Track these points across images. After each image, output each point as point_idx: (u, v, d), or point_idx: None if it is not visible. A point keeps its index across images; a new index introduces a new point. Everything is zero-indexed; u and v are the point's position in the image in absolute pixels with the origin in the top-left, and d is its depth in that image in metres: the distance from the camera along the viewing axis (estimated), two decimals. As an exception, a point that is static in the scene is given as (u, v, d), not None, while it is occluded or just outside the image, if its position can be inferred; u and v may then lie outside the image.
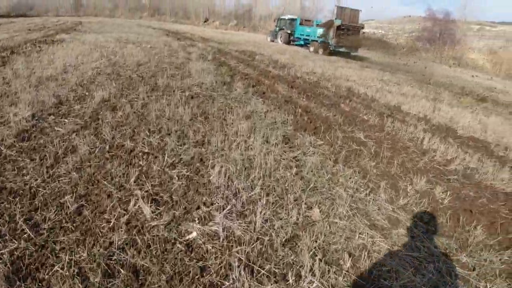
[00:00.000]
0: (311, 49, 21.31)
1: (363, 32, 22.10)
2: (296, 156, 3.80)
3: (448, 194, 3.41)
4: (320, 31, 20.76)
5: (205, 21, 58.29)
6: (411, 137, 5.31)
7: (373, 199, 3.08)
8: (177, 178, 3.15)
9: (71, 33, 16.50)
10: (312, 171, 3.42)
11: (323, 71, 11.42)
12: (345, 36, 19.39)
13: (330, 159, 3.85)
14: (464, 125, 6.66)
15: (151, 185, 3.00)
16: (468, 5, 45.48)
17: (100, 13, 66.07)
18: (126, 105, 5.09)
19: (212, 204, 2.79)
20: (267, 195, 2.94)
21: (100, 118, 4.48)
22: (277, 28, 27.10)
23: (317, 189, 3.12)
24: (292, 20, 25.69)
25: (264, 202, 2.81)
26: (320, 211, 2.76)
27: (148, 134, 4.09)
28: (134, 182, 3.03)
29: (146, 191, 2.90)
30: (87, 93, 5.60)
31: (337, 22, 19.01)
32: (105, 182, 2.97)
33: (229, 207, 2.72)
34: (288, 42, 25.28)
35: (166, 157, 3.46)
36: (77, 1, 76.57)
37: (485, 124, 7.00)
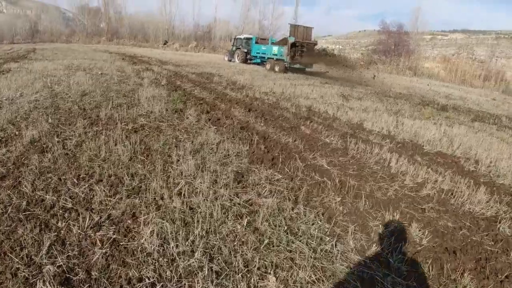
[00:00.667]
0: (268, 66, 21.58)
1: (323, 49, 22.54)
2: (249, 200, 3.22)
3: (426, 231, 2.96)
4: (275, 49, 21.27)
5: (164, 44, 57.76)
6: (377, 159, 4.91)
7: (341, 252, 2.54)
8: (100, 244, 2.51)
9: (21, 62, 15.49)
10: (267, 220, 2.84)
11: (283, 90, 11.07)
12: (299, 53, 19.91)
13: (289, 199, 3.30)
14: (430, 139, 6.39)
15: (67, 256, 2.34)
16: (420, 17, 47.34)
17: (57, 39, 64.38)
18: (57, 145, 4.38)
19: (140, 280, 2.16)
20: (211, 260, 2.33)
21: (25, 164, 3.77)
22: (234, 48, 27.32)
23: (273, 246, 2.53)
24: (248, 39, 26.07)
25: (206, 272, 2.21)
26: (276, 279, 2.19)
27: (76, 182, 3.42)
28: (47, 253, 2.35)
29: (59, 266, 2.24)
30: (17, 133, 4.85)
31: (291, 40, 19.44)
32: (13, 255, 2.29)
33: (160, 284, 2.11)
34: (245, 61, 25.57)
35: (90, 214, 2.81)
36: (33, 28, 74.14)
37: (450, 136, 6.78)
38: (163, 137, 4.89)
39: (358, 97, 11.56)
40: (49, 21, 74.99)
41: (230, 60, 27.21)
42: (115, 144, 4.44)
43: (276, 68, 20.47)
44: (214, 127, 5.69)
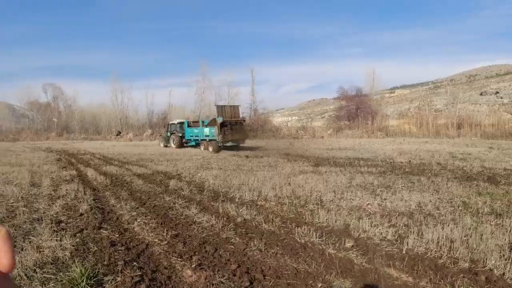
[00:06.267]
0: (202, 148, 22.53)
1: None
2: None
3: None
4: (206, 130, 22.22)
5: (117, 134, 54.22)
6: None
7: None
8: None
9: None
10: None
11: (277, 192, 7.29)
12: (229, 131, 21.03)
13: None
14: None
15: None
16: (375, 78, 47.84)
17: (4, 137, 60.10)
18: None
19: None
20: None
21: None
22: (169, 133, 27.57)
23: None
24: (181, 123, 26.80)
25: None
26: None
27: None
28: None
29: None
30: None
31: (219, 120, 20.60)
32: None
33: None
34: (181, 145, 25.73)
35: None
36: (-21, 128, 67.69)
37: None
38: None
39: (384, 184, 8.04)
40: (-2, 118, 69.36)
41: (166, 146, 27.33)
42: None
43: (210, 149, 21.31)
44: None
